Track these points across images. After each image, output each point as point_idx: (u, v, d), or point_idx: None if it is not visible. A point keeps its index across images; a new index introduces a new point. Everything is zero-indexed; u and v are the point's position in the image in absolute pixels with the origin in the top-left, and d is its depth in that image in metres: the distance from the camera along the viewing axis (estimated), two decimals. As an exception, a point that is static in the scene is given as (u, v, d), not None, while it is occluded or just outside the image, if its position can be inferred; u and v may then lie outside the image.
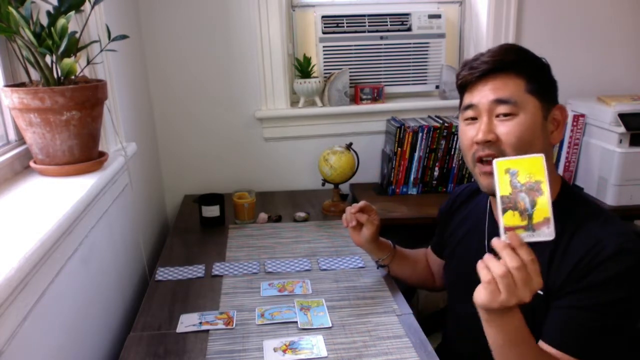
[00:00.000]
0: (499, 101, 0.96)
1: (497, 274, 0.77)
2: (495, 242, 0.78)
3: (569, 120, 1.86)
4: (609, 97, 1.86)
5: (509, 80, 0.97)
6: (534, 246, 0.79)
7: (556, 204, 0.94)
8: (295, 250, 1.51)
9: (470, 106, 1.01)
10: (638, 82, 2.13)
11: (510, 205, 0.78)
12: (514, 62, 0.97)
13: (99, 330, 1.15)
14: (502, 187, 0.79)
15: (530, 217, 0.77)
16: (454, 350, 1.20)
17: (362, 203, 1.28)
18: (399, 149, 1.89)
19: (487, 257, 0.79)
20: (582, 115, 1.86)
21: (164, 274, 1.38)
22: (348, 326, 1.13)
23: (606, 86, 2.10)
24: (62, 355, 0.94)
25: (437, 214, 1.34)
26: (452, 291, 1.24)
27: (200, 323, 1.14)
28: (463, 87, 1.04)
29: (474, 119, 1.01)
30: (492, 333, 0.86)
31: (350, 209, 1.27)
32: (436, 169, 1.92)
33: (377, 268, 1.37)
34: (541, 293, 0.94)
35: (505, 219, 0.79)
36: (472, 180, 1.12)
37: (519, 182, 0.78)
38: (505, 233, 0.78)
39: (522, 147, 0.95)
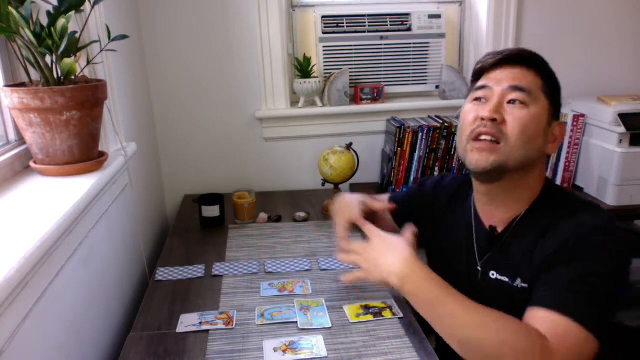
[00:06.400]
0: (516, 88, 0.96)
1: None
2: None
3: (569, 120, 1.86)
4: (609, 97, 1.86)
5: (528, 73, 0.98)
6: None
7: (540, 200, 1.02)
8: (295, 250, 1.51)
9: (483, 87, 1.01)
10: (638, 82, 2.13)
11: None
12: (535, 61, 1.00)
13: (99, 330, 1.15)
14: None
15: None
16: (450, 349, 1.19)
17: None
18: (399, 149, 1.89)
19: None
20: (582, 115, 1.86)
21: (164, 274, 1.38)
22: (348, 326, 1.13)
23: (606, 86, 2.10)
24: (62, 355, 0.94)
25: (417, 186, 1.32)
26: None
27: (200, 323, 1.14)
28: (480, 72, 1.04)
29: (482, 100, 1.00)
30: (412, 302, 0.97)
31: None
32: (436, 169, 1.92)
33: None
34: (525, 286, 0.96)
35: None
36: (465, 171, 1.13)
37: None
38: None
39: (525, 139, 0.96)
